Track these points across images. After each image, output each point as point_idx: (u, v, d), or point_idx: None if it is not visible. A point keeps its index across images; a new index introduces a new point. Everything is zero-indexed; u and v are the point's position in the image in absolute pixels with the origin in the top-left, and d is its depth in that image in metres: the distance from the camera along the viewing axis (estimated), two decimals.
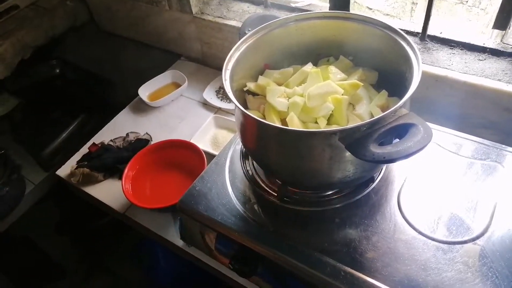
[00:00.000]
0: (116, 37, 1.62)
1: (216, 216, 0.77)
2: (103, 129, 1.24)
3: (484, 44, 0.93)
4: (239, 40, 0.79)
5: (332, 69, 0.79)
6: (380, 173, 0.78)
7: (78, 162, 1.13)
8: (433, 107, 0.94)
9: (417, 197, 0.74)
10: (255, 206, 0.78)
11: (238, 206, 0.78)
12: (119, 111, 1.32)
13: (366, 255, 0.67)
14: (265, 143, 0.70)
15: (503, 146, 0.79)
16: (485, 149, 0.80)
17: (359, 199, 0.75)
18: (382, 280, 0.63)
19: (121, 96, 1.62)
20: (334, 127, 0.72)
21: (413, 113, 0.61)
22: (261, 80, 0.81)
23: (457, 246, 0.66)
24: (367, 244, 0.68)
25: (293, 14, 0.79)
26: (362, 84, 0.74)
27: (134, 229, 1.05)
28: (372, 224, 0.71)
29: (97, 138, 1.20)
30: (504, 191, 0.73)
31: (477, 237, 0.67)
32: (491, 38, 0.94)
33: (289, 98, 0.76)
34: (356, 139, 0.58)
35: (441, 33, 0.97)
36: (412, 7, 1.82)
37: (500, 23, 0.89)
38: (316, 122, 0.73)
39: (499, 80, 0.84)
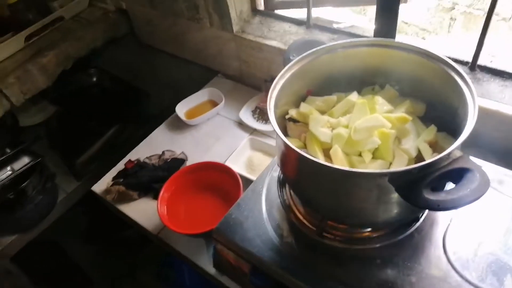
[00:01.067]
0: (154, 50, 1.65)
1: (252, 248, 0.74)
2: (139, 145, 1.25)
3: None
4: (284, 65, 0.77)
5: (379, 99, 0.75)
6: (424, 213, 0.74)
7: (113, 178, 1.14)
8: (480, 141, 0.89)
9: (464, 240, 0.69)
10: (292, 240, 0.75)
11: (275, 238, 0.76)
12: (153, 123, 1.33)
13: None
14: (307, 177, 0.68)
15: None
16: None
17: (402, 239, 0.71)
18: None
19: (155, 108, 1.64)
20: (379, 163, 0.69)
21: (467, 155, 0.57)
22: (304, 107, 0.79)
23: None
24: None
25: (340, 42, 0.77)
26: (411, 118, 0.70)
27: (155, 246, 1.04)
28: (416, 267, 0.67)
29: (133, 155, 1.21)
30: None
31: None
32: None
33: (333, 128, 0.74)
34: (407, 182, 0.55)
35: (491, 62, 0.92)
36: (450, 23, 1.76)
37: None
38: (360, 155, 0.70)
39: None
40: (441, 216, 0.73)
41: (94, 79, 1.81)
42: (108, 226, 1.61)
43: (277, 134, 0.64)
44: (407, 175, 0.55)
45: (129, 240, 1.69)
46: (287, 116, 0.79)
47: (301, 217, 0.78)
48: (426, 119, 0.75)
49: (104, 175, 1.19)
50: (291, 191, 0.83)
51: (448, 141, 0.69)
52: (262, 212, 0.80)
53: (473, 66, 0.90)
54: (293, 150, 0.62)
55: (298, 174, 0.70)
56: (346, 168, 0.66)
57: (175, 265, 1.40)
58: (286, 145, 0.65)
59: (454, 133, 0.68)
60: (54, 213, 1.35)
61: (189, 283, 1.36)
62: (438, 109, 0.73)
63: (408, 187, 0.55)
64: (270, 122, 1.18)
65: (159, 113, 1.49)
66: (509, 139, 0.84)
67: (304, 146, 0.76)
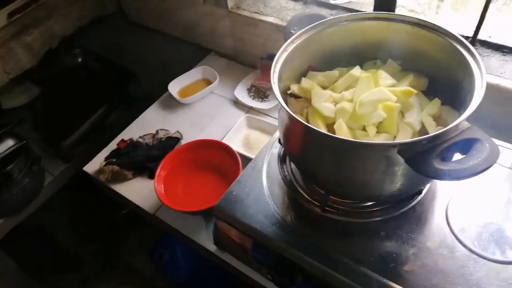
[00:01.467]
0: (143, 29, 1.60)
1: (255, 224, 0.74)
2: (131, 124, 1.22)
3: None
4: (286, 40, 0.75)
5: (382, 73, 0.74)
6: (427, 186, 0.74)
7: (106, 158, 1.11)
8: (480, 116, 0.89)
9: (466, 212, 0.70)
10: (295, 215, 0.75)
11: (277, 214, 0.75)
12: (142, 104, 1.29)
13: (415, 272, 0.64)
14: (313, 151, 0.67)
15: None
16: None
17: (405, 211, 0.72)
18: None
19: (145, 89, 1.61)
20: (384, 136, 0.68)
21: (476, 126, 0.57)
22: (305, 82, 0.78)
23: (511, 266, 0.63)
24: (415, 261, 0.65)
25: (344, 15, 0.75)
26: (416, 91, 0.70)
27: (152, 225, 1.03)
28: (420, 239, 0.68)
29: (126, 134, 1.19)
30: None
31: None
32: None
33: (336, 103, 0.73)
34: (417, 153, 0.55)
35: (490, 37, 0.93)
36: (438, 4, 1.76)
37: None
38: (364, 129, 0.70)
39: None
40: (443, 189, 0.74)
41: (80, 59, 1.75)
42: (97, 208, 1.59)
43: (281, 107, 0.63)
44: (417, 146, 0.55)
45: (119, 223, 1.67)
46: (288, 92, 0.78)
47: (303, 193, 0.78)
48: (428, 93, 0.74)
49: (93, 156, 1.16)
50: (292, 168, 0.83)
51: (452, 115, 0.69)
52: (263, 189, 0.80)
53: (473, 41, 0.90)
54: (300, 123, 0.61)
55: (303, 148, 0.69)
56: (357, 140, 0.65)
57: (168, 245, 1.39)
58: (292, 119, 0.64)
59: (458, 106, 0.68)
60: (41, 196, 1.32)
61: (183, 263, 1.36)
62: (441, 82, 0.72)
63: (417, 158, 0.55)
64: (266, 100, 1.18)
65: (149, 93, 1.46)
66: (509, 113, 0.85)
67: (307, 122, 0.75)
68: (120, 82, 1.67)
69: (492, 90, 0.85)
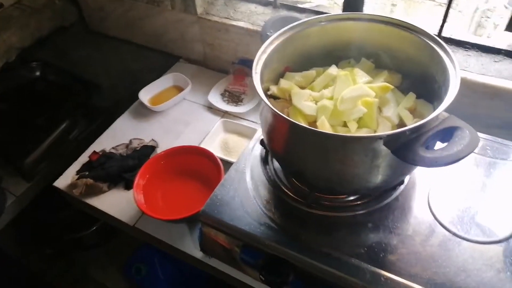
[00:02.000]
0: (107, 38, 1.56)
1: (243, 226, 0.73)
2: (101, 136, 1.19)
3: (494, 45, 0.94)
4: (262, 42, 0.76)
5: (358, 71, 0.77)
6: (408, 176, 0.77)
7: (78, 172, 1.07)
8: (449, 108, 0.94)
9: (446, 198, 0.74)
10: (282, 214, 0.75)
11: (265, 214, 0.75)
12: (110, 115, 1.26)
13: (404, 259, 0.66)
14: (299, 148, 0.67)
15: None
16: (506, 148, 0.81)
17: (389, 202, 0.74)
18: (424, 284, 0.62)
19: (110, 99, 1.56)
20: (365, 131, 0.70)
21: (454, 115, 0.60)
22: (284, 83, 0.79)
23: (493, 246, 0.66)
24: (403, 248, 0.67)
25: (321, 15, 0.77)
26: (392, 87, 0.73)
27: (124, 239, 0.99)
28: (406, 227, 0.70)
29: (97, 146, 1.15)
30: None
31: (511, 236, 0.67)
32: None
33: (316, 101, 0.74)
34: (402, 144, 0.57)
35: (451, 35, 0.98)
36: (391, 9, 1.85)
37: None
38: (345, 126, 0.71)
39: None
40: (422, 179, 0.77)
41: (38, 73, 1.69)
42: (64, 227, 1.52)
43: (265, 107, 0.64)
44: (402, 137, 0.57)
45: (88, 240, 1.61)
46: (269, 93, 0.79)
47: (288, 192, 0.78)
48: (401, 88, 0.77)
49: (58, 172, 1.11)
50: (275, 168, 0.83)
51: (426, 107, 0.73)
52: (249, 190, 0.80)
53: (438, 37, 0.95)
54: (287, 121, 0.62)
55: (289, 146, 0.70)
56: (345, 134, 0.67)
57: (145, 259, 1.35)
58: (278, 118, 0.65)
59: (431, 99, 0.72)
60: (3, 219, 1.24)
61: (163, 276, 1.32)
62: (414, 77, 0.76)
63: (403, 148, 0.57)
64: (241, 104, 1.19)
65: (115, 104, 1.42)
66: (476, 104, 0.90)
67: None
68: (82, 95, 1.62)
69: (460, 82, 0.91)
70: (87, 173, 1.05)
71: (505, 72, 0.87)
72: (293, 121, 0.62)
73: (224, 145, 1.07)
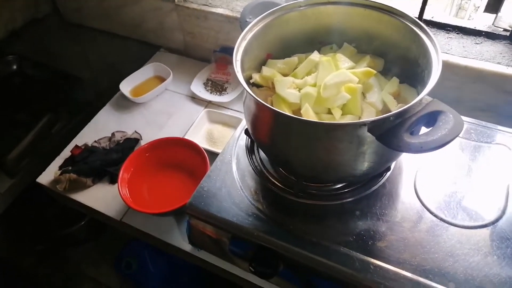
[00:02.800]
0: (84, 29, 1.52)
1: (231, 217, 0.73)
2: (83, 129, 1.16)
3: (475, 27, 0.94)
4: (242, 29, 0.74)
5: (341, 57, 0.76)
6: (394, 163, 0.77)
7: (61, 167, 1.05)
8: (431, 91, 0.94)
9: (432, 184, 0.74)
10: (270, 204, 0.75)
11: (252, 204, 0.75)
12: (92, 108, 1.23)
13: (393, 246, 0.66)
14: (284, 138, 0.66)
15: (506, 128, 0.81)
16: (490, 132, 0.81)
17: (376, 189, 0.74)
18: (412, 271, 0.62)
19: (90, 92, 1.53)
20: (349, 117, 0.70)
21: (437, 99, 0.60)
22: (266, 71, 0.78)
23: (479, 230, 0.67)
24: (392, 235, 0.67)
25: (299, 0, 0.75)
26: (375, 72, 0.72)
27: (114, 233, 0.98)
28: (393, 214, 0.70)
29: (79, 140, 1.12)
30: None
31: (497, 220, 0.68)
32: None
33: (299, 89, 0.73)
34: (387, 130, 0.56)
35: (432, 17, 0.97)
36: None
37: (492, 7, 0.90)
38: (329, 113, 0.71)
39: (499, 63, 0.85)
40: (409, 165, 0.77)
41: (14, 67, 1.64)
42: (54, 222, 1.50)
43: (248, 96, 0.63)
44: (386, 123, 0.57)
45: (77, 235, 1.59)
46: (251, 81, 0.77)
47: (275, 181, 0.78)
48: (384, 73, 0.77)
49: (43, 167, 1.09)
50: (261, 157, 0.82)
51: (410, 92, 0.72)
52: (235, 181, 0.79)
53: (419, 20, 0.94)
54: (271, 110, 0.61)
55: (274, 136, 0.69)
56: (329, 121, 0.66)
57: (135, 253, 1.34)
58: (261, 107, 0.64)
59: (414, 83, 0.71)
60: None
61: (154, 270, 1.31)
62: (396, 62, 0.75)
63: (388, 134, 0.56)
64: (224, 93, 1.17)
65: (96, 96, 1.39)
66: (459, 87, 0.90)
67: None
68: (62, 88, 1.58)
69: (442, 65, 0.90)
70: (70, 168, 1.03)
71: (486, 54, 0.87)
72: (277, 110, 0.61)
73: (209, 136, 1.05)
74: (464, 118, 0.83)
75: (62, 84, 1.59)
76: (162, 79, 1.23)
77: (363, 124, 0.58)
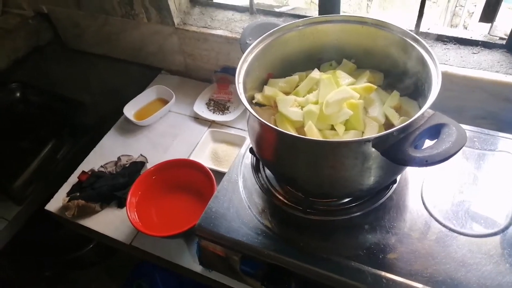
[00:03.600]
0: (86, 55, 1.54)
1: (241, 237, 0.73)
2: (89, 155, 1.17)
3: (471, 37, 0.95)
4: (242, 50, 0.76)
5: (341, 73, 0.77)
6: (400, 175, 0.77)
7: (68, 193, 1.05)
8: (432, 104, 0.95)
9: (439, 194, 0.74)
10: (279, 222, 0.75)
11: (261, 223, 0.75)
12: (96, 133, 1.24)
13: (404, 259, 0.66)
14: (290, 157, 0.67)
15: (508, 135, 0.81)
16: (493, 139, 0.82)
17: (384, 202, 0.74)
18: (425, 283, 0.63)
19: (94, 116, 1.55)
20: (352, 133, 0.70)
21: (439, 112, 0.61)
22: (268, 90, 0.79)
23: (490, 238, 0.67)
24: (402, 247, 0.68)
25: (298, 20, 0.77)
26: (376, 87, 0.73)
27: (123, 255, 0.99)
28: (402, 226, 0.71)
29: (85, 166, 1.13)
30: None
31: (506, 228, 0.68)
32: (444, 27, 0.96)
33: (302, 107, 0.74)
34: (391, 145, 0.57)
35: (429, 29, 0.99)
36: (368, 4, 1.87)
37: (487, 17, 0.91)
38: (332, 129, 0.72)
39: (497, 71, 0.86)
40: (415, 177, 0.78)
41: (18, 94, 1.66)
42: (62, 247, 1.50)
43: (251, 117, 0.64)
44: (390, 138, 0.57)
45: (87, 258, 1.59)
46: (254, 101, 0.78)
47: (282, 199, 0.78)
48: (384, 87, 0.78)
49: (49, 193, 1.10)
50: (267, 175, 0.83)
51: (411, 104, 0.73)
52: (243, 200, 0.79)
53: (416, 33, 0.96)
54: (274, 130, 0.62)
55: (279, 155, 0.70)
56: (334, 140, 0.67)
57: (146, 274, 1.34)
58: (265, 127, 0.65)
59: (415, 96, 0.72)
60: None
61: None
62: (396, 75, 0.76)
63: (393, 149, 0.57)
64: (227, 112, 1.18)
65: (100, 121, 1.40)
66: (459, 97, 0.91)
67: None
68: (66, 114, 1.60)
69: (442, 76, 0.92)
70: (78, 194, 1.04)
71: (484, 63, 0.89)
72: (281, 130, 0.62)
73: (214, 156, 1.06)
74: (466, 126, 0.84)
75: (65, 110, 1.61)
76: (165, 101, 1.24)
77: (368, 140, 0.58)
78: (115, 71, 1.52)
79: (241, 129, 1.13)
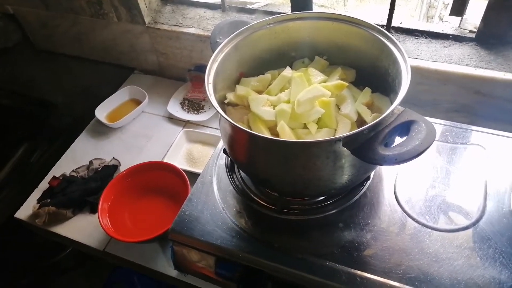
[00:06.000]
0: (56, 56, 1.50)
1: (215, 240, 0.72)
2: (61, 159, 1.13)
3: (443, 31, 0.96)
4: (212, 50, 0.75)
5: (313, 71, 0.77)
6: (373, 172, 0.77)
7: (39, 200, 1.02)
8: (407, 95, 0.96)
9: (412, 189, 0.74)
10: (254, 223, 0.74)
11: (236, 225, 0.74)
12: (70, 136, 1.21)
13: (378, 256, 0.66)
14: (261, 157, 0.66)
15: (480, 128, 0.82)
16: (464, 133, 0.82)
17: (358, 199, 0.74)
18: (399, 280, 0.63)
19: (67, 118, 1.51)
20: (325, 131, 0.70)
21: (409, 109, 0.61)
22: (240, 89, 0.78)
23: (461, 232, 0.67)
24: (376, 245, 0.67)
25: (268, 18, 0.76)
26: (347, 84, 0.72)
27: (98, 260, 0.97)
28: (376, 223, 0.70)
29: (56, 170, 1.10)
30: (490, 171, 0.75)
31: (477, 221, 0.69)
32: (420, 21, 0.97)
33: (274, 106, 0.73)
34: (361, 143, 0.57)
35: (401, 23, 0.99)
36: None
37: (457, 10, 0.92)
38: (305, 127, 0.71)
39: (467, 65, 0.87)
40: (388, 172, 0.78)
41: None
42: (38, 253, 1.46)
43: (222, 118, 0.62)
44: (360, 137, 0.57)
45: (64, 263, 1.55)
46: (226, 101, 0.77)
47: (257, 199, 0.77)
48: (356, 83, 0.78)
49: (21, 200, 1.06)
50: (242, 176, 0.82)
51: (383, 100, 0.73)
52: (217, 202, 0.78)
53: (388, 28, 0.96)
54: (245, 132, 0.61)
55: (251, 156, 0.69)
56: (301, 139, 0.66)
57: (124, 277, 1.32)
58: (235, 129, 0.63)
59: (387, 92, 0.72)
60: None
61: None
62: (367, 72, 0.76)
63: (363, 148, 0.56)
64: (202, 112, 1.16)
65: (73, 122, 1.37)
66: (431, 91, 0.91)
67: (249, 128, 0.75)
68: (38, 116, 1.56)
69: (412, 71, 0.91)
70: (48, 200, 1.01)
71: (454, 56, 0.89)
72: (252, 132, 0.61)
73: (188, 156, 1.05)
74: (439, 120, 0.85)
75: (38, 112, 1.57)
76: (138, 102, 1.22)
77: (338, 139, 0.58)
78: (87, 72, 1.48)
79: (216, 129, 1.12)
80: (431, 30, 0.95)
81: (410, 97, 0.95)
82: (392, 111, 0.59)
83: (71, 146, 1.16)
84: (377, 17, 1.01)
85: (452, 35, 0.93)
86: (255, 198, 0.77)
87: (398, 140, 0.59)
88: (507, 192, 0.72)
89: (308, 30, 0.79)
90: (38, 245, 1.48)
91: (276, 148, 0.63)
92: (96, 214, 0.96)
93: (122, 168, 1.07)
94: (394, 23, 0.98)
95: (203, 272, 0.78)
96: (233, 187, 0.80)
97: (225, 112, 0.77)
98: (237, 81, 0.80)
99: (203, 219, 0.75)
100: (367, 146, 0.56)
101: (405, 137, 0.57)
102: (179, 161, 1.03)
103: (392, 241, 0.67)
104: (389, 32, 0.97)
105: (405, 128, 0.58)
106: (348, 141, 0.57)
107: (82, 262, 1.59)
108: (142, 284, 1.31)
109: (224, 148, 0.83)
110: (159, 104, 1.21)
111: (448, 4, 1.44)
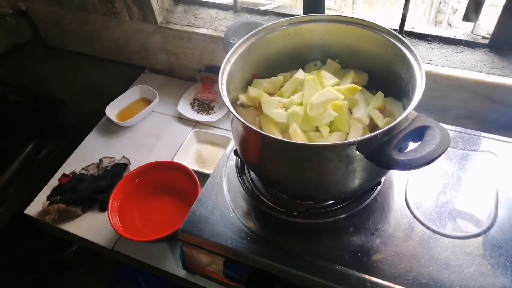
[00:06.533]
0: (67, 53, 1.50)
1: (225, 242, 0.72)
2: (70, 156, 1.14)
3: (455, 36, 0.95)
4: (226, 50, 0.75)
5: (325, 74, 0.77)
6: (384, 176, 0.77)
7: (49, 197, 1.03)
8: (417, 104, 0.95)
9: (423, 195, 0.74)
10: (263, 225, 0.74)
11: (245, 227, 0.74)
12: (79, 133, 1.21)
13: (388, 261, 0.66)
14: (274, 160, 0.66)
15: (491, 134, 0.82)
16: (476, 139, 0.82)
17: (368, 204, 0.74)
18: (409, 286, 0.62)
19: (77, 116, 1.51)
20: (337, 134, 0.70)
21: (423, 114, 0.60)
22: (252, 91, 0.78)
23: (472, 240, 0.67)
24: (386, 250, 0.67)
25: (281, 20, 0.76)
26: (360, 88, 0.72)
27: (104, 257, 0.97)
28: (386, 228, 0.70)
29: (66, 168, 1.10)
30: (502, 178, 0.75)
31: (488, 228, 0.68)
32: (429, 25, 0.96)
33: (286, 108, 0.73)
34: (375, 148, 0.57)
35: (413, 28, 0.99)
36: (353, 1, 1.87)
37: (470, 16, 0.91)
38: (317, 130, 0.71)
39: (480, 71, 0.86)
40: (399, 177, 0.78)
41: None
42: (45, 248, 1.47)
43: (234, 119, 0.62)
44: (374, 141, 0.57)
45: (71, 259, 1.56)
46: (238, 102, 0.77)
47: (267, 201, 0.77)
48: (369, 87, 0.77)
49: (30, 196, 1.07)
50: (252, 177, 0.82)
51: (395, 105, 0.72)
52: (227, 204, 0.78)
53: (400, 32, 0.96)
54: (258, 133, 0.61)
55: (263, 157, 0.69)
56: (314, 142, 0.66)
57: (130, 275, 1.32)
58: (248, 130, 0.63)
59: (399, 96, 0.72)
60: None
61: None
62: (380, 76, 0.76)
63: (377, 152, 0.56)
64: (212, 112, 1.16)
65: (82, 120, 1.38)
66: (443, 96, 0.91)
67: (260, 130, 0.75)
68: (47, 113, 1.56)
69: (426, 76, 0.91)
70: (58, 197, 1.01)
71: (467, 62, 0.89)
72: (265, 133, 0.61)
73: (198, 157, 1.05)
74: (450, 127, 0.84)
75: (46, 109, 1.57)
76: (148, 101, 1.22)
77: (352, 143, 0.58)
78: (97, 70, 1.49)
79: (226, 130, 1.12)
80: (444, 35, 0.95)
81: (422, 102, 0.94)
82: (406, 116, 0.59)
83: (81, 144, 1.17)
84: (387, 21, 1.00)
85: (465, 40, 0.93)
86: (264, 200, 0.77)
87: (411, 145, 0.59)
88: None
89: (321, 32, 0.79)
90: (45, 241, 1.48)
91: (289, 151, 0.63)
92: (106, 212, 0.97)
93: (132, 167, 1.07)
94: (406, 27, 0.97)
95: (212, 273, 0.78)
96: (243, 189, 0.80)
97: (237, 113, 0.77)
98: (250, 83, 0.80)
99: (213, 220, 0.75)
100: (381, 150, 0.56)
101: (419, 142, 0.56)
102: (189, 161, 1.03)
103: (402, 246, 0.67)
104: (402, 36, 0.97)
105: (419, 133, 0.58)
106: (362, 145, 0.57)
107: (88, 259, 1.60)
108: (147, 282, 1.31)
109: (235, 150, 0.83)
110: (169, 104, 1.22)
111: (456, 9, 1.44)
